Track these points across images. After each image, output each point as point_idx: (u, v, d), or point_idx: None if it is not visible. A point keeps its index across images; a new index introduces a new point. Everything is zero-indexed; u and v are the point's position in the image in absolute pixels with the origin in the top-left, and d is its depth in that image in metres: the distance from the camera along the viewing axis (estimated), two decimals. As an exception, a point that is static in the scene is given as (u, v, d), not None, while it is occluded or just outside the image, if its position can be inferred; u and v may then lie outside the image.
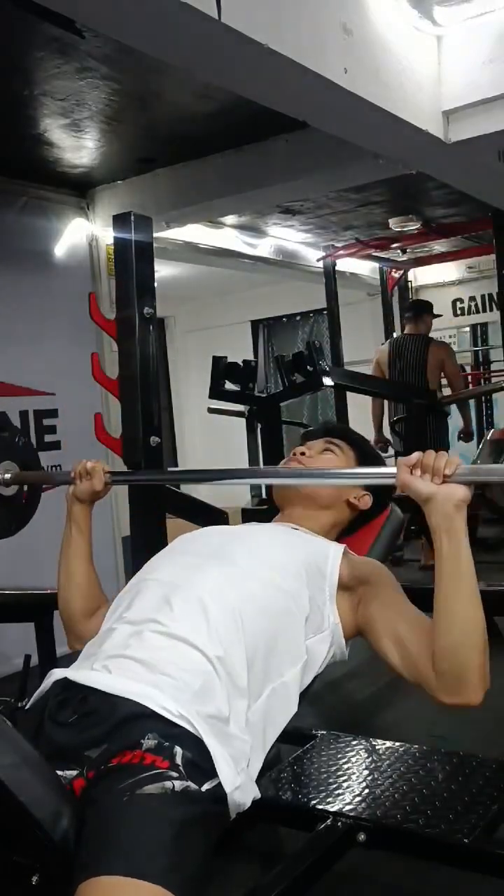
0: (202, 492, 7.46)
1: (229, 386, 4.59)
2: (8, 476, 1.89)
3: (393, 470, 1.31)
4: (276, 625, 1.35)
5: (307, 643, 1.39)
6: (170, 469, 2.17)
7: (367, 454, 1.75)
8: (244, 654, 1.28)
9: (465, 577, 1.25)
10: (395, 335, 6.10)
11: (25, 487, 1.94)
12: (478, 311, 7.44)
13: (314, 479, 1.64)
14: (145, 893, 1.00)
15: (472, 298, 7.43)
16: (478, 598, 1.26)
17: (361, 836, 1.58)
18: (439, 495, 1.24)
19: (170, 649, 1.26)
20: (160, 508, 2.80)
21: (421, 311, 5.60)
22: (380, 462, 1.80)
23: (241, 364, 4.60)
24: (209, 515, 3.11)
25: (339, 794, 1.71)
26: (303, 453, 1.69)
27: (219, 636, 1.28)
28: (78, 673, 1.28)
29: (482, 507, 6.07)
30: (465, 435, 5.81)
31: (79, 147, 3.61)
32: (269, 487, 1.98)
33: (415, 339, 5.45)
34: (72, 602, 1.68)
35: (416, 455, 1.27)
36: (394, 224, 5.36)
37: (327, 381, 4.31)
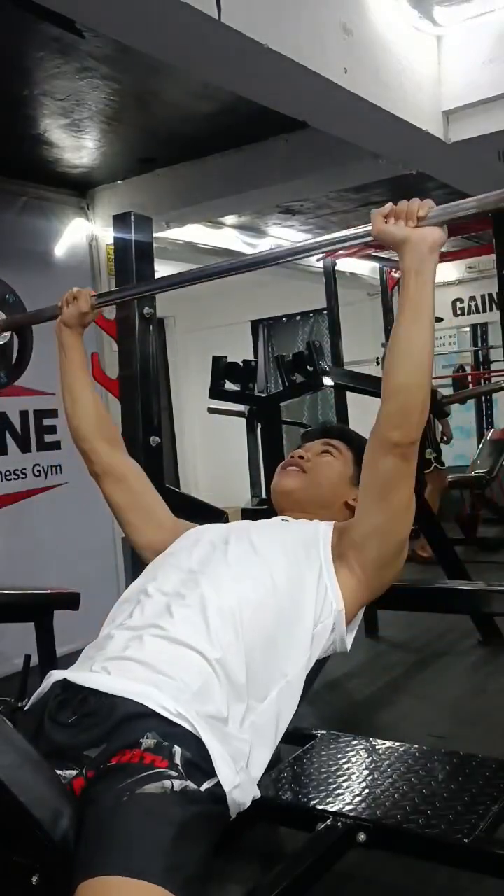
0: (202, 492, 7.47)
1: (229, 386, 4.59)
2: None
3: (368, 227, 1.35)
4: (277, 625, 1.35)
5: (312, 633, 1.39)
6: (154, 279, 2.17)
7: (364, 452, 1.75)
8: (243, 656, 1.28)
9: (425, 318, 1.31)
10: None
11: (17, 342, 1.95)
12: (478, 311, 7.44)
13: (291, 255, 1.64)
14: (145, 893, 1.00)
15: (472, 298, 7.43)
16: (431, 342, 1.33)
17: (361, 836, 1.58)
18: (413, 236, 1.29)
19: (169, 652, 1.27)
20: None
21: None
22: None
23: (241, 364, 4.60)
24: (209, 515, 3.10)
25: (339, 794, 1.71)
26: (301, 456, 1.69)
27: (219, 639, 1.28)
28: (77, 674, 1.28)
29: (482, 507, 6.09)
30: (446, 437, 5.97)
31: (79, 147, 3.62)
32: (268, 489, 1.98)
33: None
34: (84, 421, 1.74)
35: (389, 204, 1.33)
36: (394, 224, 5.36)
37: (327, 381, 4.31)
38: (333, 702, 3.05)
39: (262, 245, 5.61)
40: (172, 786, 1.09)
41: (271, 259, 1.59)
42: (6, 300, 2.00)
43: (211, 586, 1.37)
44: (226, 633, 1.29)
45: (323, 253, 1.67)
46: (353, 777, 1.80)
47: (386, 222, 1.31)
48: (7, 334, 1.96)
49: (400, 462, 1.35)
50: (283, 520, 1.61)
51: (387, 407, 1.34)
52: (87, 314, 1.80)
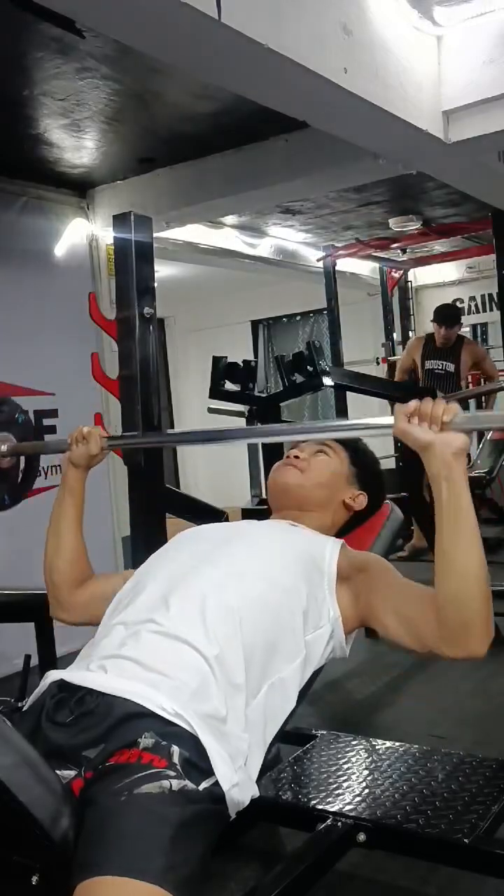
0: (202, 492, 7.47)
1: (229, 386, 4.59)
2: (4, 448, 1.89)
3: (391, 420, 1.32)
4: (275, 622, 1.35)
5: (306, 639, 1.39)
6: (168, 431, 2.18)
7: (359, 453, 1.75)
8: (241, 653, 1.28)
9: (465, 524, 1.25)
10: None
11: (23, 462, 1.95)
12: (478, 311, 7.44)
13: (313, 433, 1.67)
14: (143, 893, 1.00)
15: (472, 298, 7.43)
16: (479, 547, 1.25)
17: (361, 836, 1.58)
18: (437, 442, 1.25)
19: (166, 649, 1.26)
20: (160, 508, 2.80)
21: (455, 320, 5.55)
22: (374, 462, 1.80)
23: (241, 364, 4.59)
24: (209, 515, 3.11)
25: (339, 794, 1.71)
26: (296, 456, 1.70)
27: (216, 635, 1.28)
28: (74, 673, 1.28)
29: (482, 507, 6.08)
30: None
31: (79, 147, 3.61)
32: (268, 489, 1.98)
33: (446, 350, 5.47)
34: (60, 570, 1.69)
35: (413, 403, 1.28)
36: (394, 224, 5.36)
37: (327, 381, 4.31)
38: (333, 702, 3.04)
39: (262, 245, 5.61)
40: (171, 785, 1.09)
41: (304, 431, 1.63)
42: (16, 420, 1.98)
43: (209, 581, 1.37)
44: (224, 628, 1.29)
45: (342, 436, 1.70)
46: (353, 777, 1.80)
47: (409, 421, 1.27)
48: (11, 459, 1.94)
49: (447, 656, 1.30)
50: (290, 523, 1.61)
51: (444, 616, 1.26)
52: (97, 456, 1.75)
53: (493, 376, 5.59)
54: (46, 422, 3.99)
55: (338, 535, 1.70)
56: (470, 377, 5.74)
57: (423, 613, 1.30)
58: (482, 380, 5.67)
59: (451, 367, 5.52)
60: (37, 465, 2.04)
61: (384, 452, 6.04)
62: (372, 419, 1.50)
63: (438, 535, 1.26)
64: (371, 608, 1.42)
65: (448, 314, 5.52)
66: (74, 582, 1.68)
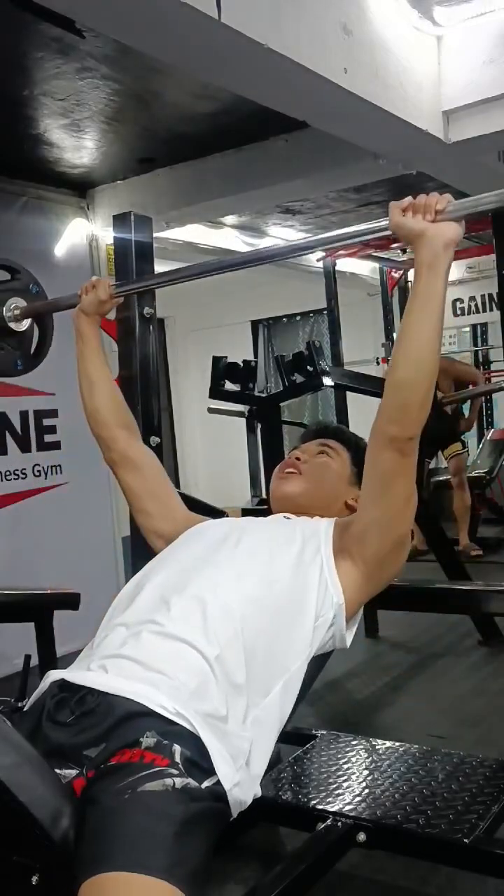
0: (202, 492, 7.47)
1: (229, 386, 4.59)
2: (17, 311, 1.94)
3: (385, 221, 1.35)
4: (278, 620, 1.35)
5: (313, 630, 1.39)
6: (170, 270, 2.19)
7: (361, 452, 1.74)
8: (243, 653, 1.28)
9: (433, 313, 1.30)
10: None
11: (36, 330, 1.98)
12: (478, 311, 7.43)
13: (305, 250, 1.62)
14: (149, 887, 0.99)
15: (472, 298, 7.43)
16: (439, 340, 1.32)
17: (361, 836, 1.58)
18: (430, 230, 1.28)
19: (166, 649, 1.26)
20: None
21: None
22: None
23: (241, 364, 4.60)
24: (209, 515, 3.10)
25: (339, 794, 1.71)
26: (298, 458, 1.69)
27: (216, 635, 1.28)
28: (75, 673, 1.28)
29: (482, 507, 6.09)
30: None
31: (79, 147, 3.62)
32: (268, 489, 1.99)
33: None
34: (103, 406, 1.77)
35: (408, 198, 1.32)
36: (394, 224, 5.35)
37: (327, 381, 4.31)
38: (333, 702, 3.04)
39: (262, 245, 5.61)
40: (174, 784, 1.09)
41: (288, 252, 1.59)
42: (29, 290, 2.03)
43: (210, 582, 1.36)
44: (225, 629, 1.29)
45: (336, 247, 1.66)
46: (353, 777, 1.80)
47: (404, 215, 1.31)
48: (27, 322, 1.99)
49: (398, 456, 1.35)
50: (284, 517, 1.61)
51: (387, 401, 1.34)
52: (106, 302, 1.84)
53: (469, 378, 5.59)
54: (46, 422, 4.00)
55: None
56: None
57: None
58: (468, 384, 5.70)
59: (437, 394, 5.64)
60: (51, 332, 2.10)
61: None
62: (366, 224, 1.47)
63: (406, 319, 1.32)
64: (358, 533, 1.43)
65: None
66: (121, 423, 1.75)
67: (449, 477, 5.62)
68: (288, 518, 1.60)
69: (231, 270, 1.79)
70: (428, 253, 1.28)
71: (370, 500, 1.42)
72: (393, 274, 7.09)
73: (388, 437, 1.34)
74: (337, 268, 6.29)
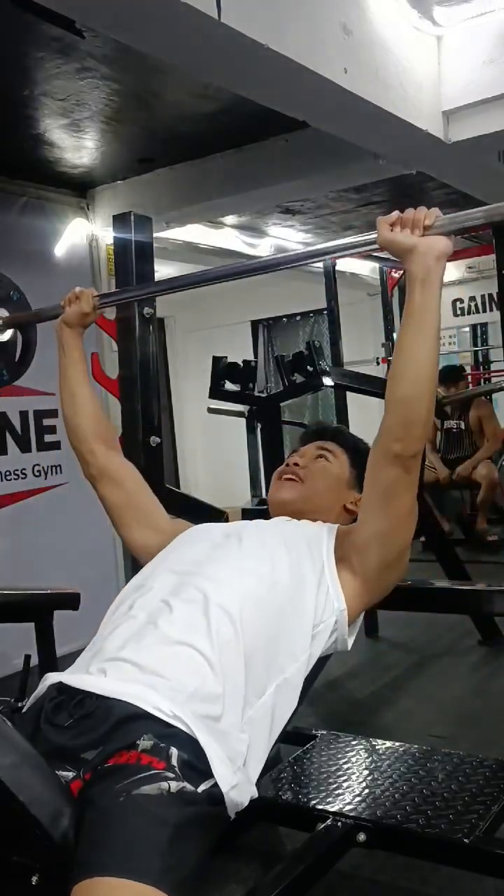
0: (202, 492, 7.47)
1: (229, 386, 4.59)
2: None
3: (374, 235, 1.34)
4: (278, 622, 1.35)
5: (312, 633, 1.39)
6: (156, 281, 2.20)
7: (360, 454, 1.74)
8: (243, 655, 1.28)
9: (429, 328, 1.31)
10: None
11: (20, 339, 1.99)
12: (478, 311, 7.43)
13: (295, 261, 1.61)
14: (140, 894, 0.99)
15: (472, 298, 7.43)
16: (436, 354, 1.32)
17: (361, 836, 1.58)
18: (420, 245, 1.28)
19: (166, 651, 1.26)
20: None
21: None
22: None
23: (241, 364, 4.59)
24: (209, 515, 3.10)
25: (339, 794, 1.71)
26: (296, 463, 1.69)
27: (218, 637, 1.28)
28: (73, 676, 1.28)
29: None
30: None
31: (79, 147, 3.62)
32: (268, 489, 1.99)
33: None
34: (83, 421, 1.76)
35: (395, 213, 1.31)
36: (394, 224, 5.36)
37: (327, 381, 4.31)
38: (333, 702, 3.04)
39: (262, 245, 5.61)
40: (169, 787, 1.09)
41: (275, 264, 1.59)
42: (10, 297, 2.02)
43: (211, 582, 1.36)
44: (226, 629, 1.29)
45: (326, 259, 1.67)
46: (353, 777, 1.80)
47: (392, 230, 1.30)
48: (10, 332, 1.98)
49: (401, 473, 1.35)
50: (286, 519, 1.61)
51: (389, 418, 1.34)
52: (89, 314, 1.81)
53: (491, 438, 5.76)
54: (46, 422, 3.99)
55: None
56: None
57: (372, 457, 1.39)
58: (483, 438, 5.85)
59: (462, 425, 5.86)
60: (34, 340, 2.08)
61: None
62: (355, 237, 1.48)
63: (401, 335, 1.32)
64: (360, 544, 1.43)
65: (443, 374, 5.89)
66: (101, 437, 1.75)
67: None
68: (289, 520, 1.60)
69: (216, 283, 1.78)
70: (420, 267, 1.28)
71: (372, 513, 1.41)
72: (393, 274, 7.08)
73: (392, 455, 1.34)
74: (337, 268, 6.28)
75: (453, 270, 7.40)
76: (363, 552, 1.42)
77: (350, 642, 1.46)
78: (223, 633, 1.28)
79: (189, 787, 1.11)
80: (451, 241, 1.30)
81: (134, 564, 1.71)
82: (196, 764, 1.14)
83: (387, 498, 1.38)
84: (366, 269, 7.00)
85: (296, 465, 1.69)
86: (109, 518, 1.76)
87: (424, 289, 1.28)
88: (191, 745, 1.15)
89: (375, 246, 1.35)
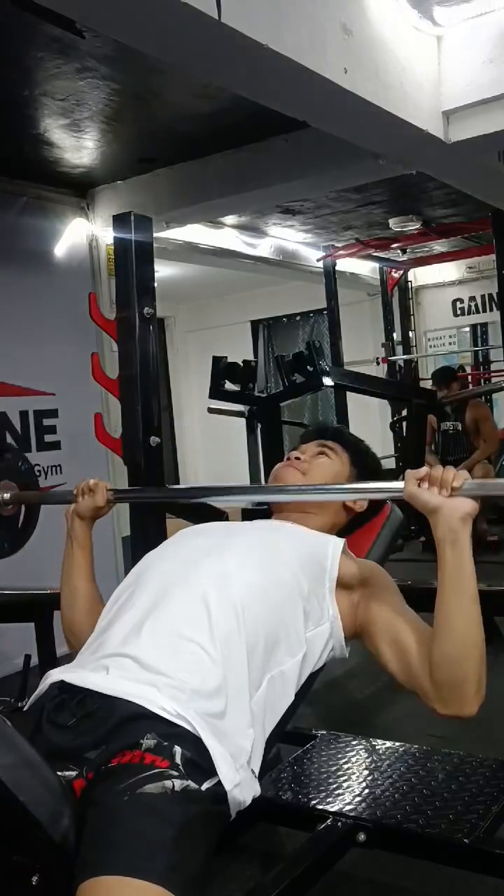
0: (202, 492, 7.41)
1: (229, 386, 4.59)
2: (7, 496, 1.89)
3: (400, 484, 1.33)
4: (276, 617, 1.35)
5: (307, 635, 1.39)
6: (171, 487, 2.20)
7: (360, 454, 1.75)
8: (244, 649, 1.28)
9: (467, 590, 1.27)
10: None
11: (23, 509, 1.95)
12: (478, 311, 7.44)
13: (319, 494, 1.63)
14: (145, 893, 1.00)
15: (472, 298, 7.43)
16: (478, 611, 1.27)
17: (361, 836, 1.58)
18: (446, 507, 1.26)
19: (168, 647, 1.26)
20: (160, 508, 2.80)
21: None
22: (375, 463, 1.80)
23: (241, 364, 4.60)
24: (209, 515, 3.10)
25: (339, 794, 1.71)
26: (297, 458, 1.69)
27: (220, 632, 1.28)
28: (74, 674, 1.27)
29: (482, 507, 6.11)
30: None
31: (79, 147, 3.62)
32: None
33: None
34: (78, 622, 1.67)
35: (423, 468, 1.30)
36: (394, 224, 5.37)
37: (327, 381, 4.31)
38: (333, 702, 3.04)
39: (262, 245, 5.61)
40: (173, 786, 1.09)
41: (312, 491, 1.63)
42: (19, 468, 1.98)
43: (214, 575, 1.36)
44: (227, 625, 1.29)
45: (345, 497, 1.69)
46: (353, 777, 1.80)
47: (419, 485, 1.28)
48: (13, 507, 1.94)
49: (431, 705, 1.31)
50: (290, 524, 1.61)
51: (436, 676, 1.27)
52: (103, 508, 1.76)
53: (488, 440, 5.72)
54: (46, 422, 4.00)
55: (338, 535, 1.70)
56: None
57: (419, 661, 1.31)
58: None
59: (459, 426, 5.80)
60: (37, 512, 2.04)
61: (385, 452, 6.06)
62: (382, 483, 1.52)
63: (440, 598, 1.27)
64: (368, 626, 1.42)
65: (436, 375, 5.97)
66: (92, 627, 1.66)
67: None
68: (293, 525, 1.60)
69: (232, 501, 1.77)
70: (446, 529, 1.25)
71: (387, 654, 1.38)
72: (393, 274, 7.08)
73: (435, 710, 1.29)
74: (337, 268, 6.29)
75: (453, 270, 7.41)
76: (369, 637, 1.43)
77: (348, 651, 1.47)
78: (224, 626, 1.28)
79: (193, 785, 1.11)
80: (478, 505, 1.28)
81: (134, 564, 1.71)
82: (200, 762, 1.14)
83: (400, 677, 1.36)
84: (366, 269, 7.00)
85: (297, 459, 1.69)
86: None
87: (454, 550, 1.26)
88: (194, 744, 1.15)
89: (401, 495, 1.33)
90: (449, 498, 1.26)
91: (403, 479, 1.32)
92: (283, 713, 1.36)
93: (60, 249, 4.17)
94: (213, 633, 1.27)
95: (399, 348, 7.05)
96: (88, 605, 1.67)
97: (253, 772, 1.24)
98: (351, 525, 1.72)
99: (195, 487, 1.82)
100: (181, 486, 1.92)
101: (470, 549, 1.26)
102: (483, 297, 7.36)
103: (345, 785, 1.76)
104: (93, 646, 1.35)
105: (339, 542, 1.51)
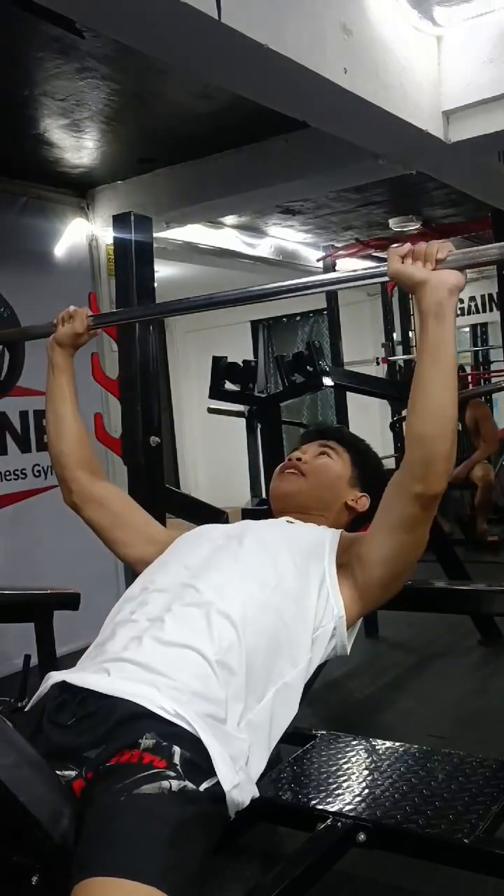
0: (202, 492, 7.46)
1: (229, 386, 4.59)
2: None
3: (384, 266, 1.32)
4: (279, 625, 1.35)
5: (311, 637, 1.39)
6: (153, 304, 2.17)
7: (361, 454, 1.75)
8: (244, 657, 1.28)
9: (447, 363, 1.27)
10: None
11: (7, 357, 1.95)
12: (478, 311, 7.44)
13: (302, 290, 1.58)
14: (140, 894, 0.99)
15: (472, 298, 7.44)
16: (454, 388, 1.28)
17: (361, 836, 1.58)
18: (433, 280, 1.25)
19: (169, 652, 1.26)
20: (160, 508, 2.80)
21: None
22: (376, 462, 1.80)
23: (241, 364, 4.60)
24: (209, 515, 3.11)
25: (339, 794, 1.71)
26: (299, 458, 1.69)
27: (220, 640, 1.28)
28: (76, 675, 1.28)
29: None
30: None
31: (79, 147, 3.62)
32: (268, 489, 1.99)
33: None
34: (67, 447, 1.71)
35: (406, 245, 1.29)
36: (394, 224, 5.37)
37: (327, 381, 4.31)
38: (333, 702, 3.04)
39: (262, 245, 5.61)
40: (170, 786, 1.09)
41: (280, 292, 1.55)
42: (0, 314, 1.99)
43: (214, 585, 1.36)
44: (228, 632, 1.29)
45: (335, 288, 1.65)
46: (353, 777, 1.80)
47: (403, 262, 1.28)
48: None
49: (419, 511, 1.34)
50: (287, 521, 1.61)
51: (409, 456, 1.31)
52: (82, 335, 1.75)
53: (487, 440, 5.69)
54: (46, 422, 3.99)
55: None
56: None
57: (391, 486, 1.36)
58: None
59: (458, 426, 5.70)
60: (21, 359, 2.04)
61: (385, 452, 6.06)
62: (362, 269, 1.47)
63: (418, 370, 1.29)
64: (368, 566, 1.42)
65: None
66: (84, 464, 1.71)
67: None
68: (291, 522, 1.60)
69: (219, 308, 1.77)
70: (432, 301, 1.25)
71: (381, 538, 1.41)
72: (393, 274, 7.07)
73: (412, 493, 1.31)
74: (337, 268, 6.29)
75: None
76: (367, 568, 1.42)
77: (349, 648, 1.47)
78: (225, 636, 1.28)
79: (191, 785, 1.11)
80: (465, 277, 1.27)
81: (134, 565, 1.71)
82: (199, 762, 1.14)
83: (399, 530, 1.37)
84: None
85: (298, 460, 1.69)
86: (101, 539, 1.73)
87: (438, 323, 1.25)
88: (193, 744, 1.15)
89: (385, 278, 1.33)
90: (435, 270, 1.25)
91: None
92: (286, 725, 1.36)
93: (60, 249, 4.17)
94: (214, 643, 1.27)
95: (399, 348, 7.06)
96: (76, 435, 1.72)
97: (251, 777, 1.24)
98: (353, 524, 1.72)
99: (180, 300, 1.79)
100: (165, 302, 1.90)
101: (454, 323, 1.27)
102: (483, 297, 7.36)
103: (345, 785, 1.76)
104: (94, 652, 1.36)
105: (336, 534, 1.51)
